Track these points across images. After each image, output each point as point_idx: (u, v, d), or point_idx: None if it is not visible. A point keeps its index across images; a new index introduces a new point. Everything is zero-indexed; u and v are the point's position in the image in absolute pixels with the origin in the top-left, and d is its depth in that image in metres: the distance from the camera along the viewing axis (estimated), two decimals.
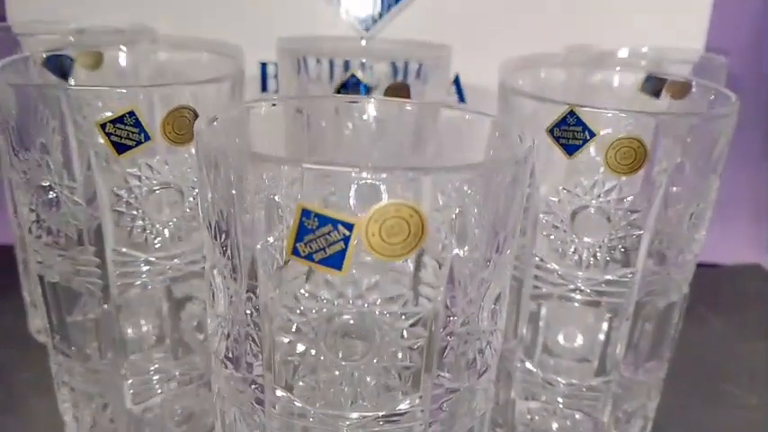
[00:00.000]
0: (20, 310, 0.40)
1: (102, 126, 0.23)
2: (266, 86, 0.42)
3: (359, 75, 0.34)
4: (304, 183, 0.16)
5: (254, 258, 0.17)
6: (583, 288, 0.26)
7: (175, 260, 0.26)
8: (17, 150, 0.25)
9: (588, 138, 0.24)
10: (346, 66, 0.40)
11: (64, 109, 0.23)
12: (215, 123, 0.19)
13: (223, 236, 0.18)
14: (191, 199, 0.26)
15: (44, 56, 0.31)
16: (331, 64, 0.40)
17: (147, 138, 0.24)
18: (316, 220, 0.15)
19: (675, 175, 0.24)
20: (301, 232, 0.16)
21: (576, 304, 0.26)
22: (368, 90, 0.33)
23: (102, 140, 0.23)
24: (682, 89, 0.34)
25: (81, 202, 0.24)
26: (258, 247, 0.17)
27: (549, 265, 0.26)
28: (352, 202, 0.16)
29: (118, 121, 0.23)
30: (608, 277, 0.25)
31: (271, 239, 0.17)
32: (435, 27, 0.40)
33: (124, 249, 0.25)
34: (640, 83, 0.34)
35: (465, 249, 0.17)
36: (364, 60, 0.39)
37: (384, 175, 0.15)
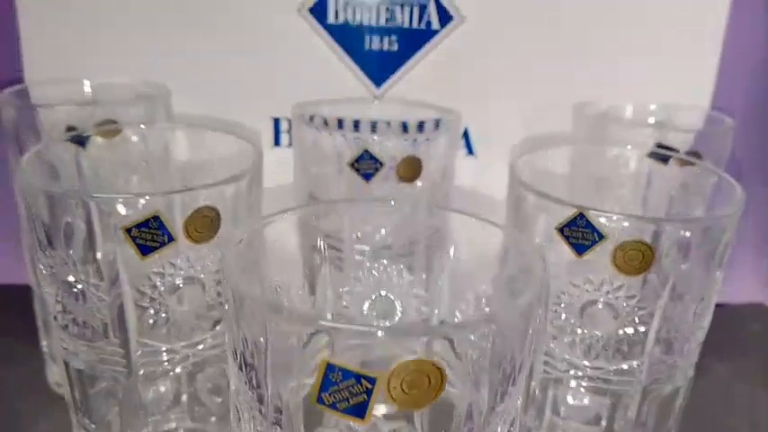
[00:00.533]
0: (38, 357, 0.41)
1: (128, 230, 0.24)
2: (279, 141, 0.42)
3: (372, 147, 0.34)
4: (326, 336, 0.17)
5: (279, 395, 0.18)
6: (591, 375, 0.27)
7: (198, 347, 0.27)
8: (44, 246, 0.26)
9: (597, 239, 0.24)
10: (356, 125, 0.41)
11: (91, 214, 0.24)
12: (238, 247, 0.20)
13: (248, 368, 0.18)
14: (212, 291, 0.26)
15: (65, 138, 0.32)
16: (340, 122, 0.41)
17: (171, 239, 0.24)
18: (339, 374, 0.16)
19: (681, 274, 0.25)
20: (326, 384, 0.16)
21: (583, 390, 0.27)
22: (380, 164, 0.34)
23: (127, 243, 0.24)
24: (687, 163, 0.35)
25: (106, 298, 0.25)
26: (283, 386, 0.18)
27: (557, 352, 0.27)
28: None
29: (143, 225, 0.24)
30: (615, 367, 0.26)
31: (295, 383, 0.17)
32: (445, 83, 0.41)
33: (147, 341, 0.26)
34: (649, 152, 0.34)
35: (480, 392, 0.17)
36: (376, 120, 0.40)
37: (402, 335, 0.16)
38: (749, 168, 0.26)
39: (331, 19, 0.39)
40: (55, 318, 0.27)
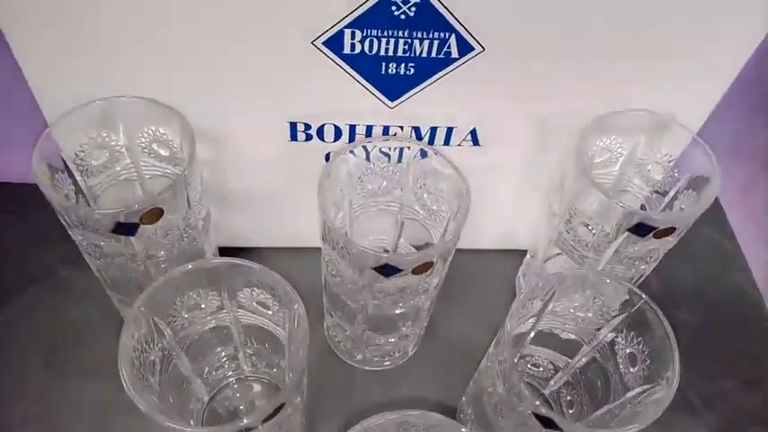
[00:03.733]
0: None
1: None
2: (296, 137, 0.44)
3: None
4: None
5: None
6: None
7: None
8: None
9: None
10: (369, 131, 0.43)
11: None
12: None
13: None
14: None
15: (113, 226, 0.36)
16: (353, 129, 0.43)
17: None
18: None
19: None
20: None
21: None
22: (398, 270, 0.37)
23: None
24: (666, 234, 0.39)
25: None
26: None
27: None
28: None
29: None
30: None
31: None
32: (459, 100, 0.41)
33: None
34: (630, 225, 0.39)
35: None
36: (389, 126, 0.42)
37: None
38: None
39: (347, 50, 0.38)
40: None
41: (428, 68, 0.39)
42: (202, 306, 0.37)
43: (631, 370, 0.38)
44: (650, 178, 0.45)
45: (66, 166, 0.40)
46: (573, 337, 0.42)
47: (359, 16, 0.36)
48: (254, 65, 0.39)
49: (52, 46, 0.37)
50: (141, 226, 0.37)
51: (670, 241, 0.41)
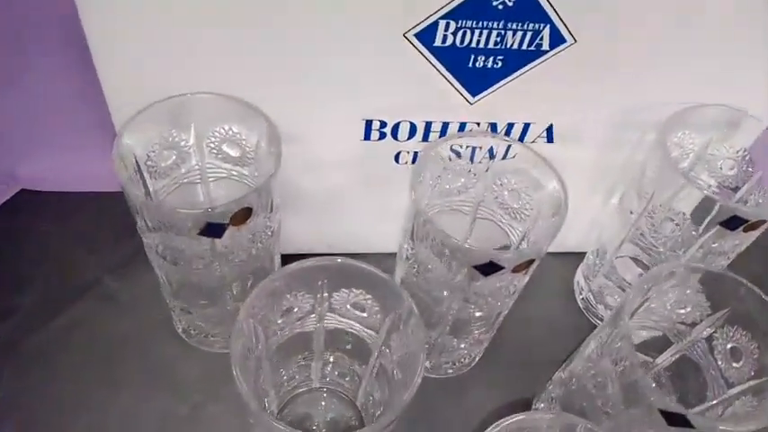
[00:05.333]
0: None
1: None
2: (369, 135, 0.42)
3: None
4: None
5: None
6: None
7: None
8: None
9: None
10: (444, 129, 0.42)
11: None
12: None
13: None
14: None
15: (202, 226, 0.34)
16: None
17: None
18: None
19: None
20: None
21: None
22: (500, 269, 0.36)
23: None
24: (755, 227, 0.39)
25: None
26: None
27: None
28: None
29: None
30: None
31: None
32: (540, 97, 0.41)
33: None
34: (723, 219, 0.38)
35: None
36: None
37: None
38: None
39: (438, 42, 0.37)
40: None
41: (516, 61, 0.38)
42: (295, 310, 0.35)
43: (734, 365, 0.37)
44: (720, 174, 0.45)
45: (139, 167, 0.38)
46: (658, 333, 0.41)
47: (457, 6, 0.35)
48: (337, 60, 0.37)
49: (131, 47, 0.36)
50: (229, 228, 0.35)
51: (753, 235, 0.41)
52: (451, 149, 0.40)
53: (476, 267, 0.35)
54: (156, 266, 0.40)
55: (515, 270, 0.36)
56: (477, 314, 0.41)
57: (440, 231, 0.35)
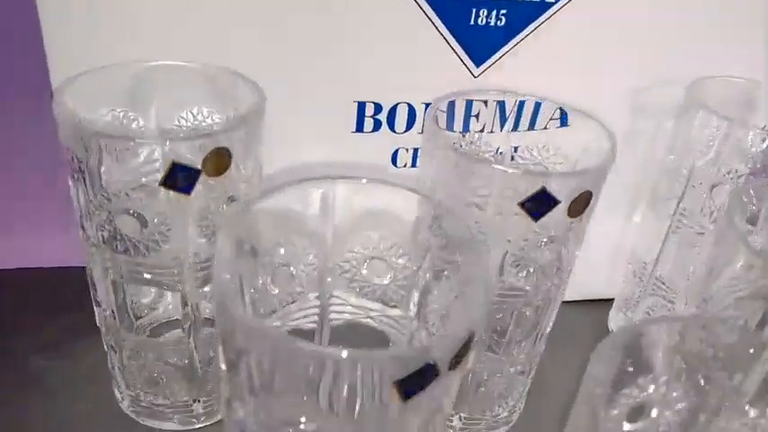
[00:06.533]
0: None
1: None
2: (362, 127, 0.37)
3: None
4: None
5: None
6: None
7: None
8: None
9: None
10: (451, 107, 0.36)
11: None
12: None
13: None
14: None
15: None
16: None
17: None
18: None
19: None
20: None
21: None
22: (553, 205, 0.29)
23: None
24: None
25: None
26: None
27: None
28: None
29: None
30: None
31: None
32: (548, 60, 0.37)
33: None
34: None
35: None
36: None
37: None
38: None
39: None
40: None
41: (520, 17, 0.35)
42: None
43: None
44: (749, 151, 0.41)
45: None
46: None
47: None
48: (323, 20, 0.33)
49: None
50: (201, 179, 0.27)
51: None
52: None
53: (526, 201, 0.28)
54: (101, 262, 0.29)
55: (572, 212, 0.29)
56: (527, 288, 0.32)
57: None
